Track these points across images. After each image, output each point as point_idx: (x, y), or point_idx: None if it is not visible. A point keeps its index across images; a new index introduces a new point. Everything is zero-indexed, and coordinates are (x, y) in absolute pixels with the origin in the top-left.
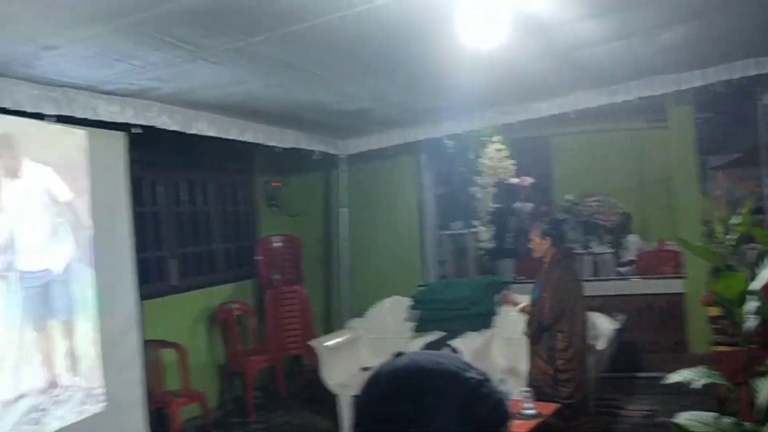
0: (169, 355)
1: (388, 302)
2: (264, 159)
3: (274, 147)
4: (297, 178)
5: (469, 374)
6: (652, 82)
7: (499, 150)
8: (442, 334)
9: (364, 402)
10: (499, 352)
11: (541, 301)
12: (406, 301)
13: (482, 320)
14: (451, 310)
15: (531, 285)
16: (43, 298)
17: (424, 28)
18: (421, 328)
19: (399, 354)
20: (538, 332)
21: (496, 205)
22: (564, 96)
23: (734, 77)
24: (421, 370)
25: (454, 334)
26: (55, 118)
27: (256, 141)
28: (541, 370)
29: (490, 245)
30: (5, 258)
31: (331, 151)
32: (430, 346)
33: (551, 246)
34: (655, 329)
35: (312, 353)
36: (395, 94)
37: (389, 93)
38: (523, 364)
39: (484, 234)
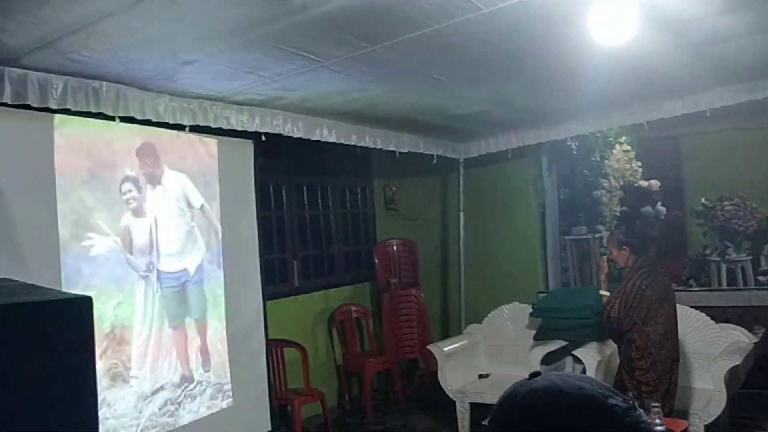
0: (291, 354)
1: (507, 308)
2: (382, 163)
3: (393, 151)
4: (414, 181)
5: (613, 401)
6: None
7: (626, 151)
8: (563, 343)
9: (498, 422)
10: None
11: (610, 303)
12: (526, 308)
13: None
14: (575, 318)
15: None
16: (180, 298)
17: (550, 27)
18: (541, 336)
19: (535, 374)
20: (617, 341)
21: (622, 209)
22: (699, 93)
23: None
24: (560, 394)
25: (576, 343)
26: (189, 128)
27: (374, 146)
28: (622, 380)
29: None
30: (147, 259)
31: (450, 155)
32: (551, 355)
33: (630, 255)
34: None
35: (429, 358)
36: (517, 96)
37: (511, 95)
38: None
39: None
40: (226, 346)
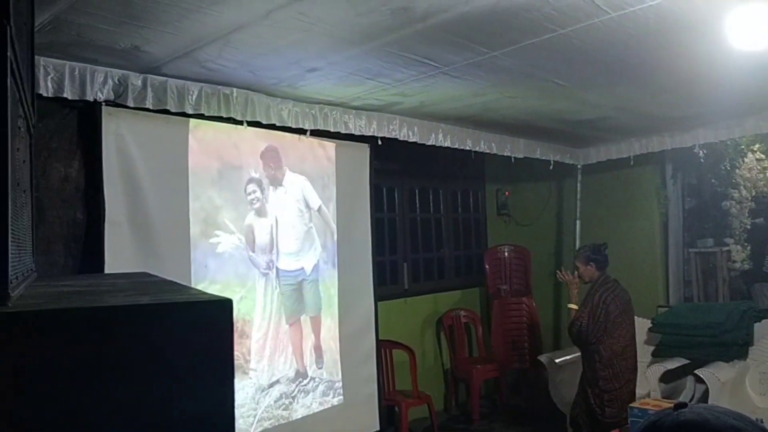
0: (399, 355)
1: None
2: (495, 167)
3: (507, 156)
4: (528, 186)
5: None
6: None
7: (759, 160)
8: (684, 361)
9: None
10: (755, 388)
11: (579, 317)
12: (644, 323)
13: (735, 350)
14: (699, 336)
15: None
16: (296, 295)
17: (682, 32)
18: (661, 352)
19: (681, 405)
20: (583, 352)
21: (754, 222)
22: None
23: None
24: (710, 430)
25: (699, 362)
26: (309, 132)
27: (489, 151)
28: (584, 390)
29: (745, 266)
30: (267, 257)
31: (567, 161)
32: (670, 372)
33: (596, 270)
34: None
35: (539, 368)
36: (641, 102)
37: (635, 101)
38: None
39: (739, 253)
40: (338, 344)
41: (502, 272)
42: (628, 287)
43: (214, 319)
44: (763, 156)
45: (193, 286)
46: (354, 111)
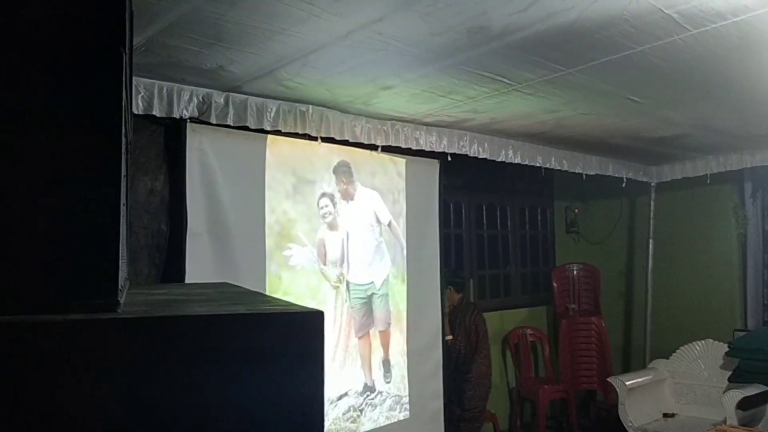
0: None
1: (699, 345)
2: (564, 184)
3: (577, 173)
4: (598, 204)
5: None
6: None
7: None
8: (764, 388)
9: None
10: None
11: (456, 338)
12: (721, 347)
13: None
14: None
15: None
16: (366, 309)
17: (763, 51)
18: (738, 378)
19: None
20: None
21: None
22: None
23: None
24: None
25: None
26: (381, 148)
27: (560, 168)
28: (449, 405)
29: None
30: (338, 270)
31: (641, 178)
32: (748, 400)
33: (455, 293)
34: None
35: (608, 390)
36: (720, 119)
37: (713, 118)
38: None
39: None
40: (406, 359)
41: (571, 291)
42: (703, 309)
43: (308, 329)
44: None
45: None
46: (425, 127)
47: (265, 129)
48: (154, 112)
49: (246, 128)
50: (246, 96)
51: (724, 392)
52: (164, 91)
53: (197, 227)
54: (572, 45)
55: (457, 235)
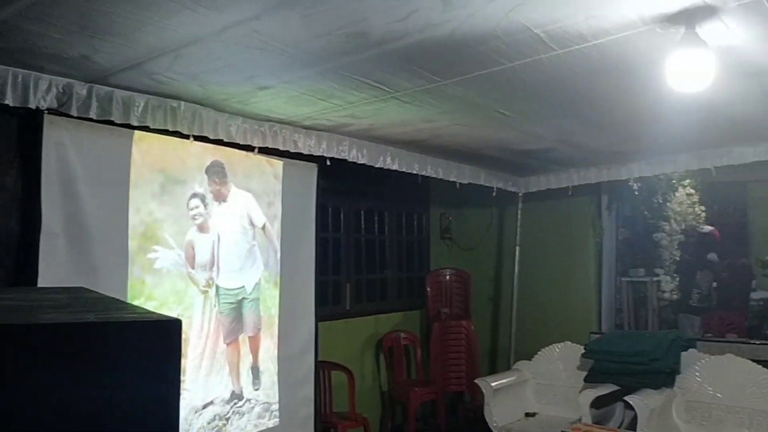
0: (337, 377)
1: (558, 347)
2: (440, 191)
3: (452, 181)
4: (471, 212)
5: None
6: None
7: (689, 195)
8: (615, 387)
9: None
10: (680, 415)
11: None
12: (578, 349)
13: (662, 379)
14: (629, 363)
15: (719, 344)
16: (236, 314)
17: (623, 71)
18: (592, 378)
19: None
20: None
21: (683, 255)
22: None
23: None
24: None
25: (629, 389)
26: (258, 149)
27: (436, 175)
28: None
29: (673, 297)
30: (207, 274)
31: (510, 188)
32: (601, 399)
33: None
34: None
35: (475, 391)
36: (583, 136)
37: (577, 134)
38: (711, 431)
39: (668, 284)
40: (276, 365)
41: (443, 295)
42: (563, 313)
43: (163, 338)
44: (692, 191)
45: (129, 302)
46: (304, 130)
47: (132, 124)
48: (6, 101)
49: (111, 123)
50: (111, 88)
51: (580, 392)
52: (19, 78)
53: (53, 226)
54: (448, 57)
55: (335, 239)
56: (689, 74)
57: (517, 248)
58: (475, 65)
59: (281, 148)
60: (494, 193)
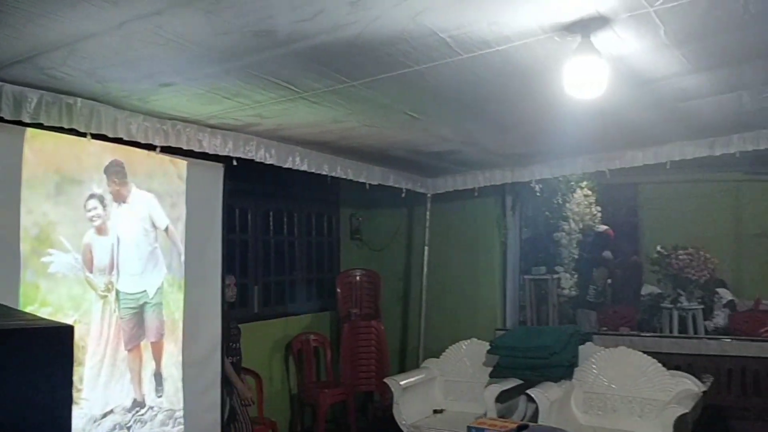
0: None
1: (465, 344)
2: (350, 192)
3: (362, 182)
4: (381, 213)
5: None
6: (757, 137)
7: (586, 196)
8: (519, 381)
9: None
10: (578, 406)
11: None
12: (484, 345)
13: (562, 371)
14: (531, 358)
15: (613, 337)
16: (137, 320)
17: (523, 78)
18: (497, 373)
19: (523, 427)
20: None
21: (581, 253)
22: (662, 145)
23: None
24: None
25: (532, 382)
26: (160, 149)
27: (345, 176)
28: None
29: (572, 293)
30: (106, 279)
31: (418, 189)
32: (505, 393)
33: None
34: (747, 395)
35: (385, 391)
36: (488, 138)
37: (482, 137)
38: (606, 421)
39: (568, 281)
40: (181, 371)
41: (353, 296)
42: (470, 311)
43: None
44: (589, 192)
45: (21, 308)
46: (209, 129)
47: (24, 121)
48: None
49: (0, 119)
50: (1, 83)
51: (486, 387)
52: None
53: None
54: (356, 58)
55: (243, 240)
56: (585, 82)
57: (426, 248)
58: (384, 67)
59: (185, 147)
60: (403, 194)
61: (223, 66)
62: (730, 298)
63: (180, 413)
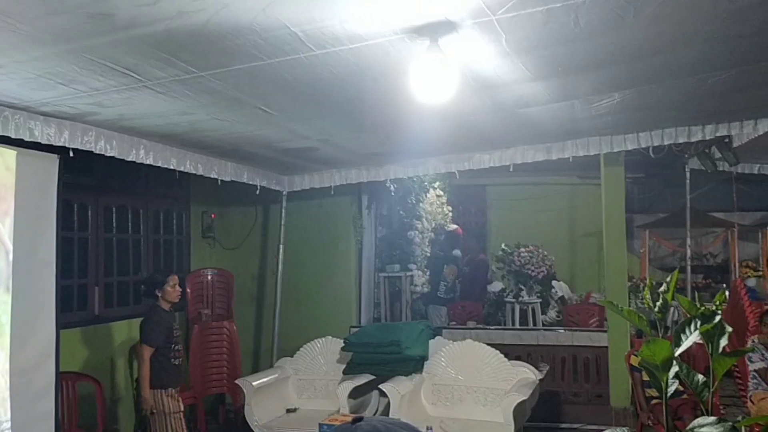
0: (84, 388)
1: (319, 342)
2: (202, 189)
3: (214, 178)
4: (235, 210)
5: None
6: (588, 143)
7: (438, 196)
8: (371, 377)
9: None
10: (428, 398)
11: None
12: (338, 343)
13: (413, 365)
14: (383, 353)
15: (461, 331)
16: None
17: (375, 79)
18: (351, 370)
19: (357, 419)
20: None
21: (433, 251)
22: (506, 149)
23: (664, 143)
24: None
25: (385, 377)
26: None
27: (195, 172)
28: None
29: (424, 290)
30: None
31: (273, 187)
32: (359, 389)
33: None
34: (578, 381)
35: (237, 392)
36: (343, 137)
37: (337, 135)
38: (453, 411)
39: (420, 278)
40: (7, 379)
41: (204, 296)
42: (326, 309)
43: None
44: (441, 193)
45: None
46: (42, 117)
47: None
48: None
49: None
50: None
51: (339, 384)
52: None
53: None
54: (203, 48)
55: (82, 238)
56: (433, 85)
57: (281, 247)
58: (233, 59)
59: (13, 136)
60: (258, 191)
61: (55, 49)
62: (562, 293)
63: (7, 425)
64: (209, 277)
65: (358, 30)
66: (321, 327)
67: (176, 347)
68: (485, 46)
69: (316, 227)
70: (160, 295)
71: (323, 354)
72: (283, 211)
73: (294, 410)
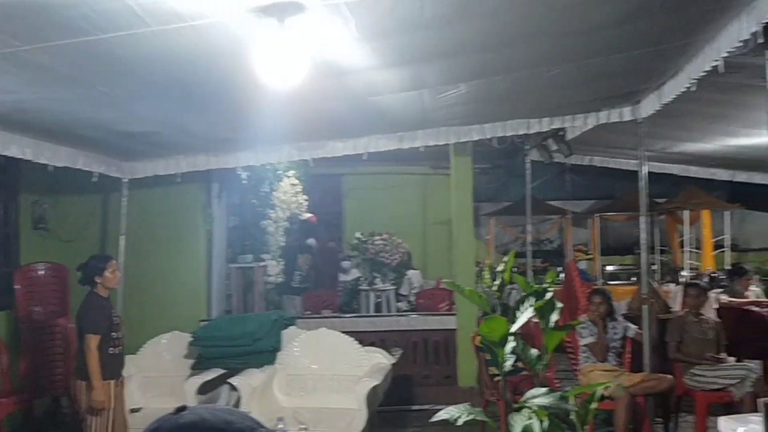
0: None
1: (165, 338)
2: (33, 176)
3: (45, 165)
4: (72, 199)
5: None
6: (437, 133)
7: (293, 185)
8: (221, 371)
9: None
10: (281, 389)
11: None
12: (186, 337)
13: (265, 357)
14: (235, 346)
15: (316, 320)
16: None
17: (226, 58)
18: (200, 365)
19: (181, 408)
20: None
21: (287, 240)
22: (358, 138)
23: (507, 134)
24: (208, 429)
25: (234, 371)
26: None
27: (23, 156)
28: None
29: (278, 280)
30: None
31: (112, 174)
32: (209, 384)
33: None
34: (429, 363)
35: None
36: (189, 120)
37: (181, 118)
38: (307, 401)
39: (274, 268)
40: None
41: (37, 293)
42: (173, 302)
43: None
44: (296, 181)
45: None
46: None
47: None
48: None
49: None
50: None
51: (186, 380)
52: None
53: None
54: (26, 18)
55: None
56: (280, 68)
57: (122, 238)
58: (61, 32)
59: None
60: (95, 179)
61: None
62: (417, 279)
63: None
64: (41, 272)
65: (200, 7)
66: (167, 322)
67: (116, 336)
68: (334, 31)
69: (161, 217)
70: (99, 281)
71: (169, 350)
72: (124, 199)
73: (138, 410)
